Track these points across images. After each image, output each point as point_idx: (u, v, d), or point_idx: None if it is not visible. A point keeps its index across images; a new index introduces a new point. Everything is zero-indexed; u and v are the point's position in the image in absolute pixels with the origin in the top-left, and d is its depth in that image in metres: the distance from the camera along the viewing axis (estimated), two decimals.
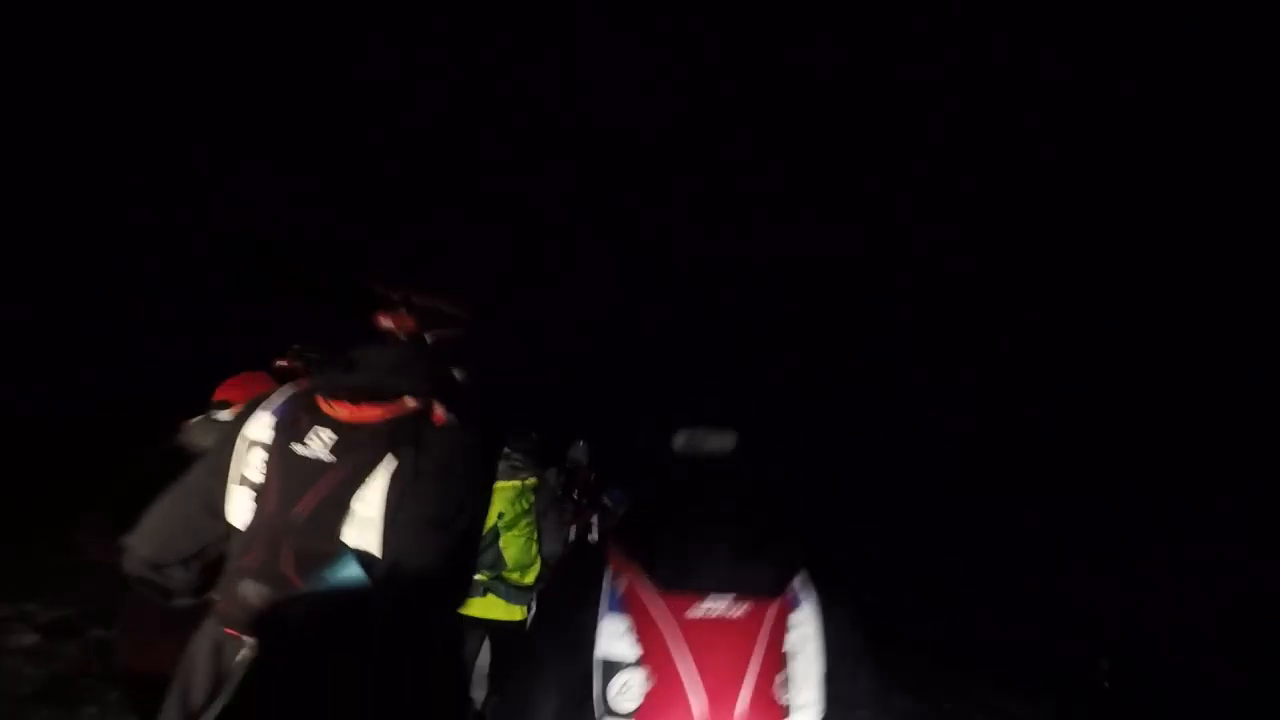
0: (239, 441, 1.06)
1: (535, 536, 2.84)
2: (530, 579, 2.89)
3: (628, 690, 0.88)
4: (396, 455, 1.00)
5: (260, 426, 1.06)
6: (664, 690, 0.88)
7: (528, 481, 2.89)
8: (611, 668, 0.89)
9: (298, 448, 1.01)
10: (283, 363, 2.00)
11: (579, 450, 4.90)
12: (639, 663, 0.88)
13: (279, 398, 1.10)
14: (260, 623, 0.93)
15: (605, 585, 0.94)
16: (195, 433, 1.93)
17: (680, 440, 1.09)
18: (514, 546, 2.78)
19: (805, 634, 0.94)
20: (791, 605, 0.95)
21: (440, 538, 1.00)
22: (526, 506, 2.84)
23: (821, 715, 0.93)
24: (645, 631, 0.90)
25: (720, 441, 1.08)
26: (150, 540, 1.09)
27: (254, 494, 1.02)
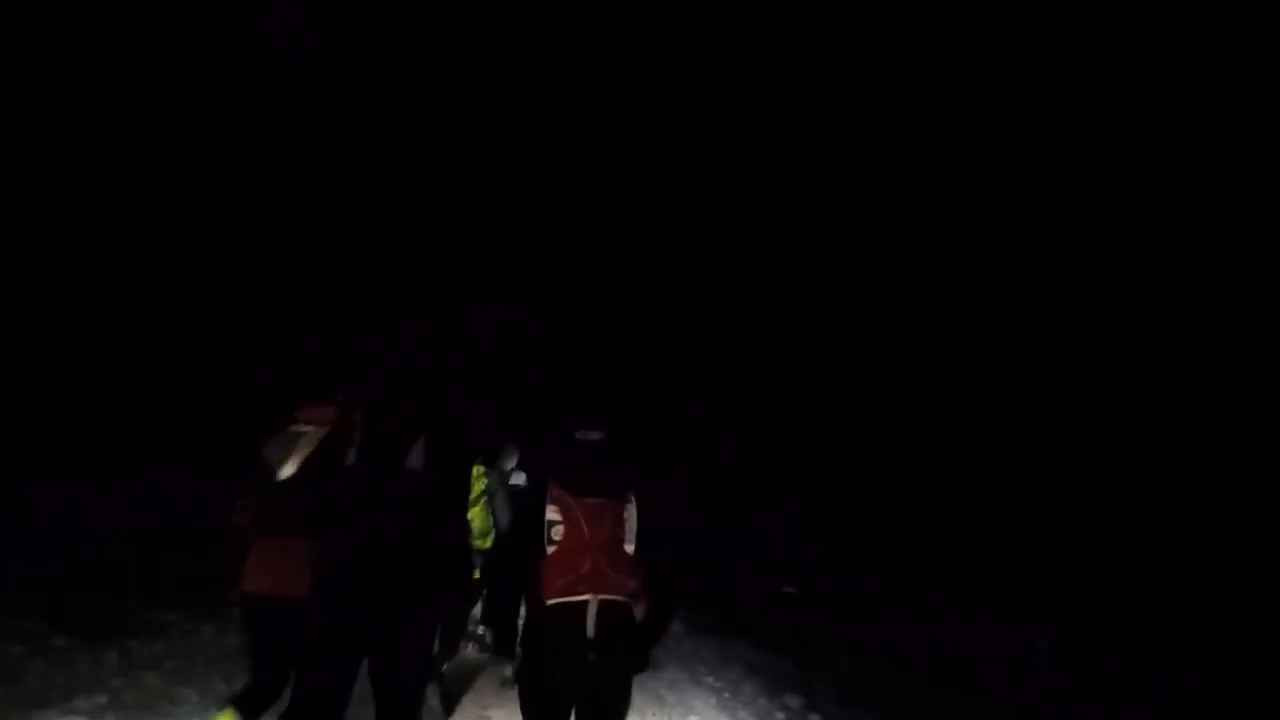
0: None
1: (491, 510, 4.10)
2: (489, 544, 4.12)
3: (555, 531, 2.18)
4: None
5: None
6: (571, 530, 2.18)
7: (480, 469, 4.14)
8: (549, 524, 2.19)
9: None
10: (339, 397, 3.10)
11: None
12: (560, 521, 2.19)
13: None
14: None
15: (548, 494, 2.24)
16: (274, 446, 2.54)
17: (581, 434, 2.41)
18: (479, 519, 4.03)
19: (632, 515, 2.27)
20: (627, 503, 2.28)
21: None
22: (483, 488, 4.09)
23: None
24: (565, 510, 2.21)
25: (596, 435, 2.40)
26: None
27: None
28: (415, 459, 2.17)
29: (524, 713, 2.19)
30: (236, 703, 2.48)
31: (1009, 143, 12.44)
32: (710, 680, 5.22)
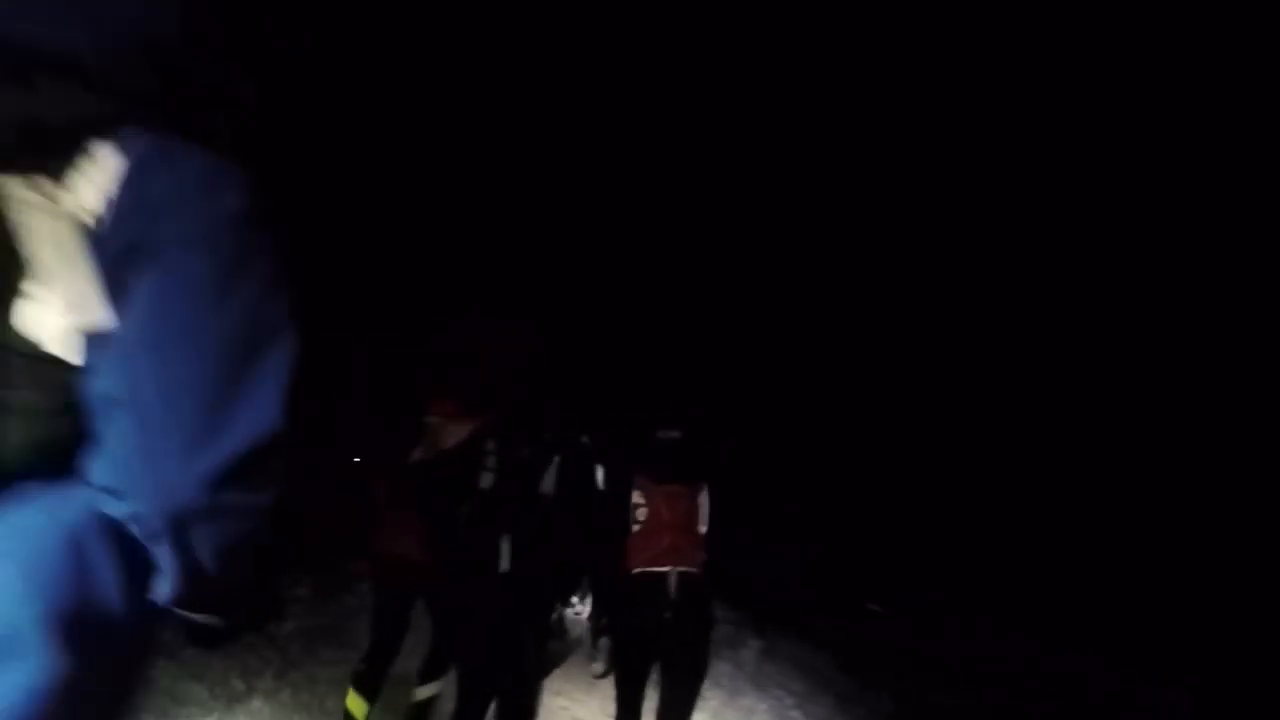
0: None
1: None
2: None
3: (639, 512, 2.50)
4: None
5: None
6: (654, 513, 2.50)
7: None
8: (634, 506, 2.52)
9: None
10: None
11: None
12: (644, 503, 2.51)
13: None
14: None
15: (634, 482, 2.57)
16: (408, 434, 3.31)
17: (662, 433, 2.73)
18: None
19: (704, 501, 2.56)
20: (699, 491, 2.58)
21: None
22: None
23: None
24: (648, 494, 2.52)
25: (672, 434, 2.71)
26: None
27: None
28: (548, 484, 2.47)
29: (617, 670, 2.53)
30: (358, 683, 2.82)
31: (1009, 143, 12.07)
32: (796, 715, 4.88)
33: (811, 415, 14.10)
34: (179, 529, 0.60)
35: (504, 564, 2.31)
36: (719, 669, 5.05)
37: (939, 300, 14.18)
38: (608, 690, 4.06)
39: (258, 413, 0.62)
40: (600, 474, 3.89)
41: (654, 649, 2.43)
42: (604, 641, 4.40)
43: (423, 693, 2.87)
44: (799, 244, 14.51)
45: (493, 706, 2.45)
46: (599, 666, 4.45)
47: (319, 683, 3.70)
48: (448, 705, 2.62)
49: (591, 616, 4.68)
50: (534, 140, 11.90)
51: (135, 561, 0.62)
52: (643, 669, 2.47)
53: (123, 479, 0.59)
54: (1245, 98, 10.43)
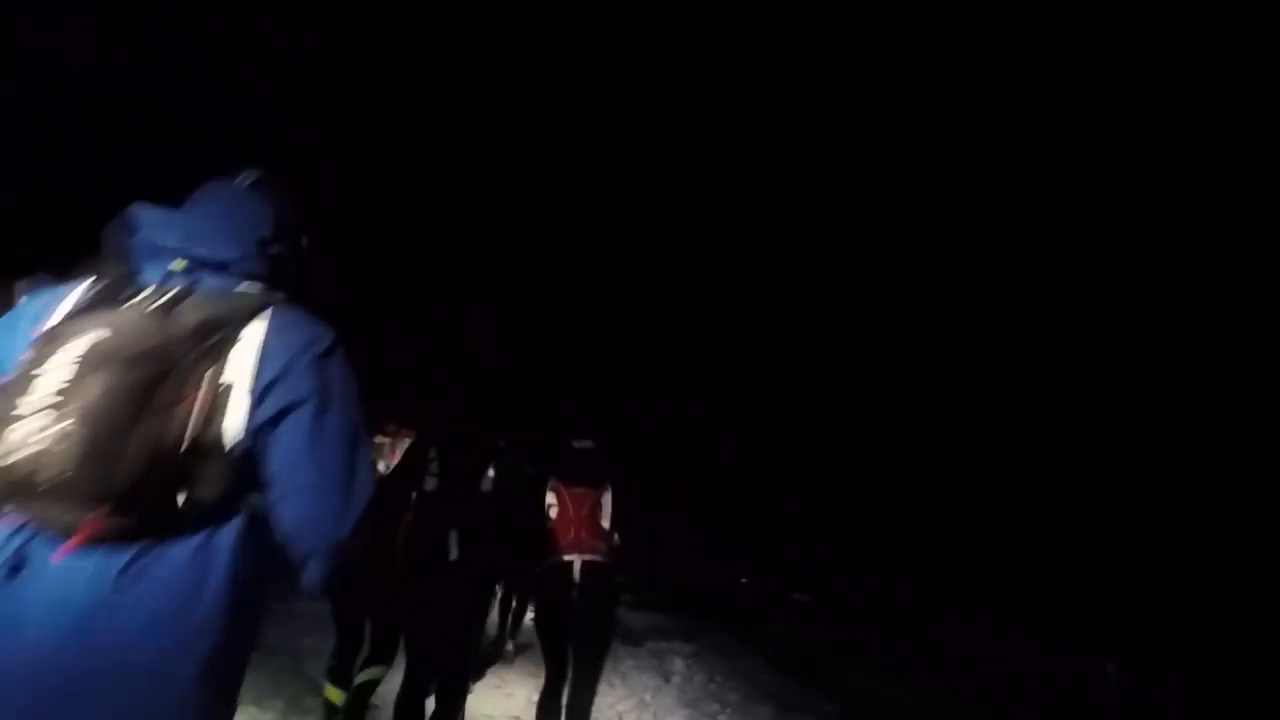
0: None
1: None
2: None
3: (551, 510, 2.96)
4: None
5: None
6: (563, 511, 2.97)
7: None
8: (548, 505, 2.98)
9: None
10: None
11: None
12: (554, 503, 2.97)
13: None
14: None
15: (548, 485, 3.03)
16: None
17: (576, 443, 3.20)
18: None
19: (607, 501, 3.04)
20: (603, 491, 3.05)
21: None
22: None
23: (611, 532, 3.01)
24: (558, 496, 2.99)
25: (586, 443, 3.18)
26: None
27: None
28: (486, 485, 2.79)
29: (542, 644, 3.02)
30: (332, 677, 3.16)
31: (1009, 143, 12.36)
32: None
33: (794, 417, 14.21)
34: (331, 553, 1.03)
35: (453, 554, 2.64)
36: (644, 681, 5.12)
37: (939, 301, 14.08)
38: (526, 668, 4.54)
39: (364, 486, 1.05)
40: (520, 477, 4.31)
41: (566, 625, 2.88)
42: (525, 623, 4.86)
43: (368, 675, 3.24)
44: (798, 244, 14.40)
45: (433, 685, 2.82)
46: (512, 647, 4.97)
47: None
48: (391, 685, 2.94)
49: (503, 601, 4.97)
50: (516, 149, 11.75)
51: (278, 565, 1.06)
52: (560, 643, 2.91)
53: (301, 525, 1.01)
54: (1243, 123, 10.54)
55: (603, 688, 3.37)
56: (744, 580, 9.83)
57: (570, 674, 2.90)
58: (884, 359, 14.19)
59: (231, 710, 1.05)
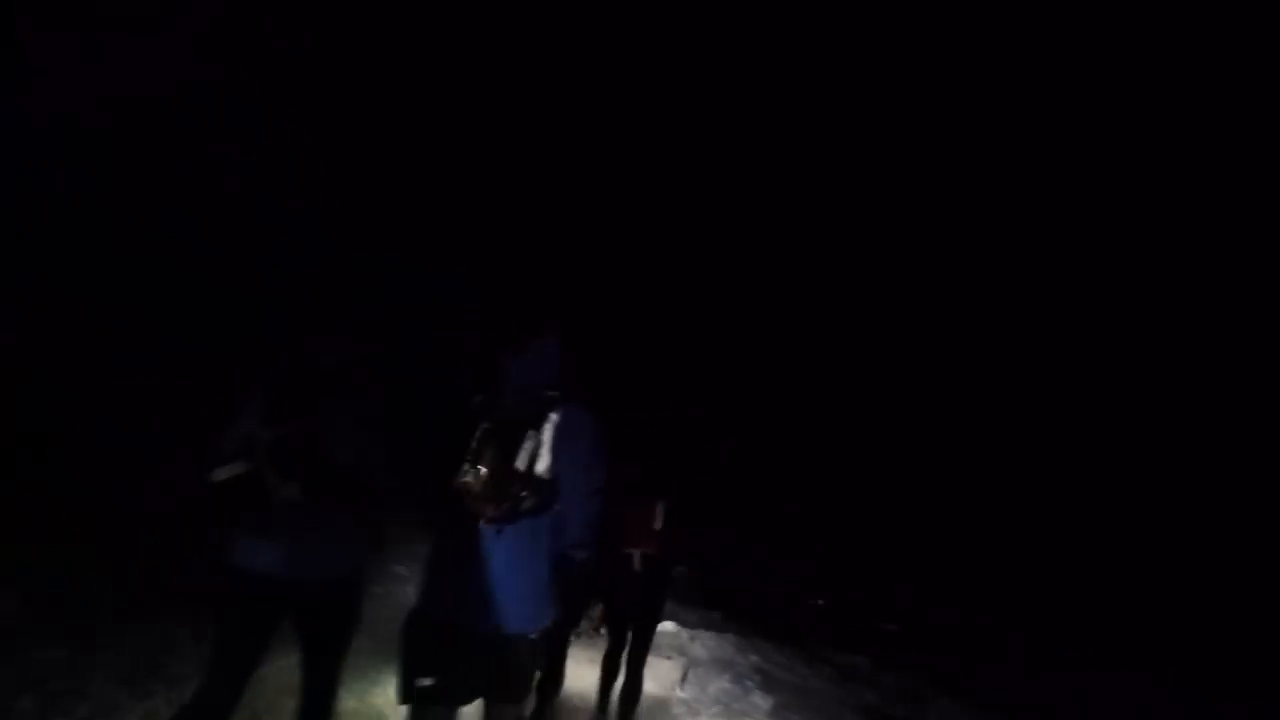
0: None
1: None
2: None
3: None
4: None
5: None
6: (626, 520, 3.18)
7: None
8: None
9: None
10: None
11: None
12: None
13: None
14: None
15: None
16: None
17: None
18: None
19: (660, 511, 3.20)
20: (655, 505, 3.22)
21: None
22: None
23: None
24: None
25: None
26: None
27: None
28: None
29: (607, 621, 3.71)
30: None
31: (1008, 143, 12.37)
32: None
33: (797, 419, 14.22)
34: (588, 544, 2.05)
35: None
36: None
37: (938, 301, 14.13)
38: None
39: (600, 505, 2.08)
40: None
41: (629, 602, 3.45)
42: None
43: None
44: (797, 244, 14.38)
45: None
46: (588, 623, 5.17)
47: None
48: None
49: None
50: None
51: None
52: (623, 616, 3.50)
53: (580, 526, 2.01)
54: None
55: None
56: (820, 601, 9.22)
57: (629, 641, 3.50)
58: (882, 360, 14.13)
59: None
